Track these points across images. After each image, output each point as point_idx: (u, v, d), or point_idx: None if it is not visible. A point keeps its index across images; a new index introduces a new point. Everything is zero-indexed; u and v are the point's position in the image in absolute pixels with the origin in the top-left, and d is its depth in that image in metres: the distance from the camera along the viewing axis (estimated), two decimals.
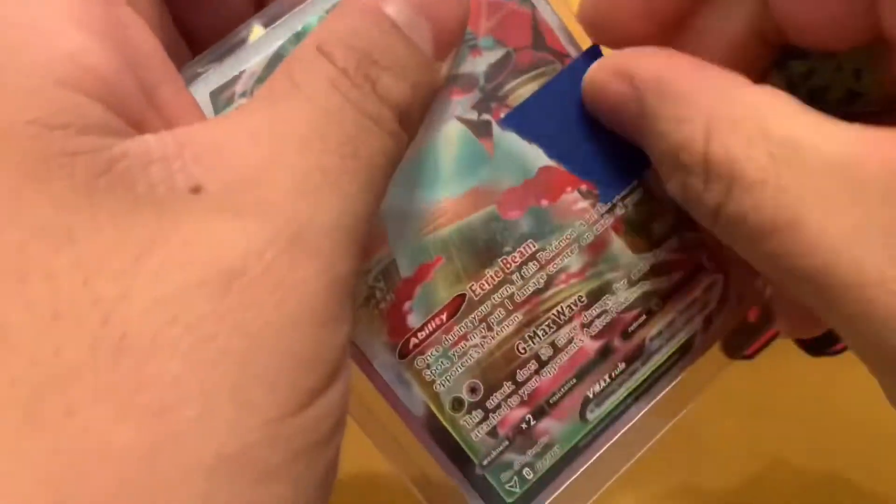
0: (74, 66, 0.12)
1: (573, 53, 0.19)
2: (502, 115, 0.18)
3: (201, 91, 0.16)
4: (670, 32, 0.18)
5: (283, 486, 0.12)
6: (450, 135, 0.18)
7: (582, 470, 0.19)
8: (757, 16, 0.17)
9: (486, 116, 0.18)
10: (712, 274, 0.20)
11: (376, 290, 0.18)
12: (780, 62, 0.18)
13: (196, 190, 0.12)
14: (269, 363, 0.12)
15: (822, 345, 0.30)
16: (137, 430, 0.11)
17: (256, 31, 0.17)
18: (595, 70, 0.18)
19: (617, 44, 0.18)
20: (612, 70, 0.17)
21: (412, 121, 0.15)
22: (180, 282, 0.11)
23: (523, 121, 0.19)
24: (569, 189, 0.19)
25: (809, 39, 0.16)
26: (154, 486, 0.11)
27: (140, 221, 0.12)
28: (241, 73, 0.17)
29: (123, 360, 0.11)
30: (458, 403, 0.18)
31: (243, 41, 0.17)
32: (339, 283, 0.13)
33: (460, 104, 0.18)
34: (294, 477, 0.12)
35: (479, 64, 0.18)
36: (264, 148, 0.13)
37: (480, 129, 0.18)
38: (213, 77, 0.16)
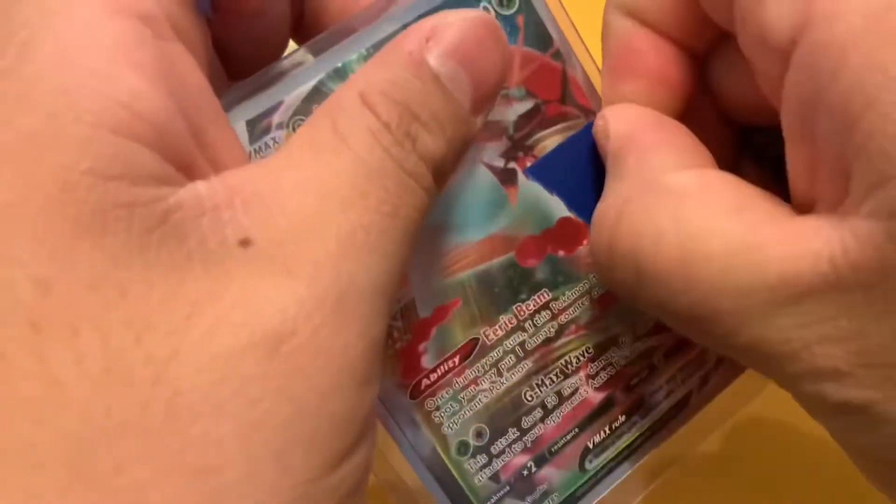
0: (128, 112, 0.11)
1: (598, 109, 0.19)
2: (528, 165, 0.19)
3: (238, 119, 0.16)
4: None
5: None
6: (476, 180, 0.18)
7: None
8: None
9: (512, 165, 0.19)
10: None
11: (394, 330, 0.18)
12: (748, 137, 0.19)
13: (245, 243, 0.12)
14: (310, 427, 0.12)
15: None
16: (180, 490, 0.11)
17: (299, 57, 0.17)
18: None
19: None
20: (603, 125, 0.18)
21: (445, 174, 0.15)
22: (231, 342, 0.11)
23: (546, 171, 0.19)
24: (585, 241, 0.19)
25: (749, 119, 0.17)
26: None
27: (191, 277, 0.12)
28: (279, 103, 0.17)
29: (172, 419, 0.11)
30: (463, 447, 0.18)
31: (283, 72, 0.17)
32: (375, 346, 0.13)
33: (488, 151, 0.18)
34: None
35: (509, 113, 0.19)
36: (310, 202, 0.13)
37: (506, 177, 0.19)
38: (251, 106, 0.16)
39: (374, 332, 0.13)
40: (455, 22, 0.15)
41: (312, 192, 0.13)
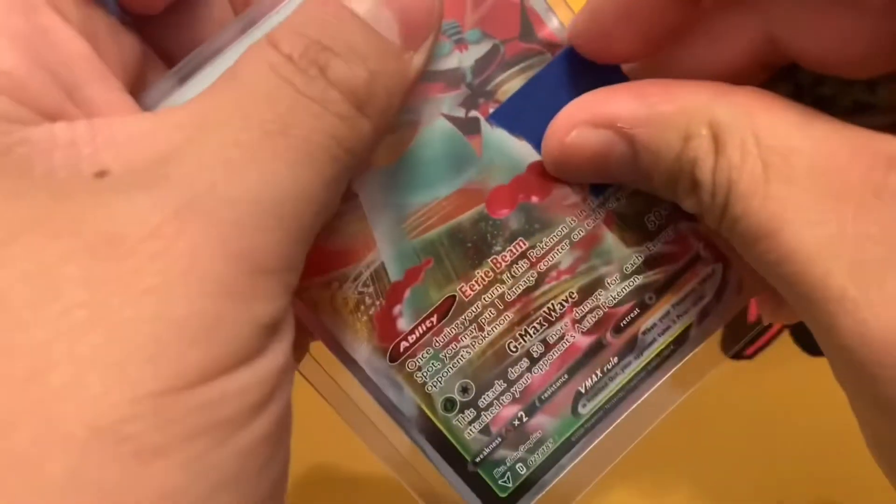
0: None
1: (563, 42, 0.18)
2: (491, 111, 0.18)
3: (179, 101, 0.16)
4: (662, 53, 0.17)
5: (170, 468, 0.11)
6: (437, 134, 0.18)
7: (574, 463, 0.19)
8: (758, 45, 0.16)
9: (474, 113, 0.18)
10: (710, 264, 0.20)
11: (366, 296, 0.18)
12: (785, 69, 0.18)
13: (102, 174, 0.12)
14: (148, 332, 0.11)
15: None
16: (7, 396, 0.11)
17: (230, 33, 0.16)
18: (560, 132, 0.17)
19: (607, 61, 0.18)
20: (586, 122, 0.17)
21: (377, 108, 0.14)
22: (54, 251, 0.12)
23: (511, 116, 0.18)
24: (559, 184, 0.18)
25: (829, 70, 0.15)
26: (13, 457, 0.11)
27: (29, 203, 0.12)
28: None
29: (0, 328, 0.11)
30: (450, 404, 0.18)
31: (221, 48, 0.16)
32: (244, 257, 0.12)
33: (447, 101, 0.18)
34: (187, 459, 0.11)
35: (465, 59, 0.18)
36: (181, 132, 0.13)
37: (468, 127, 0.18)
38: (191, 87, 0.16)
39: (246, 242, 0.12)
40: None
41: (187, 123, 0.13)
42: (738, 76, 0.16)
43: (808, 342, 0.30)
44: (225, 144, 0.13)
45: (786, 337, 0.29)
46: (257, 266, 0.13)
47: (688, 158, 0.15)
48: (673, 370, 0.19)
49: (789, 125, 0.14)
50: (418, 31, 0.15)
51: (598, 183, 0.19)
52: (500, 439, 0.19)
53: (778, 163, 0.14)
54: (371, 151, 0.15)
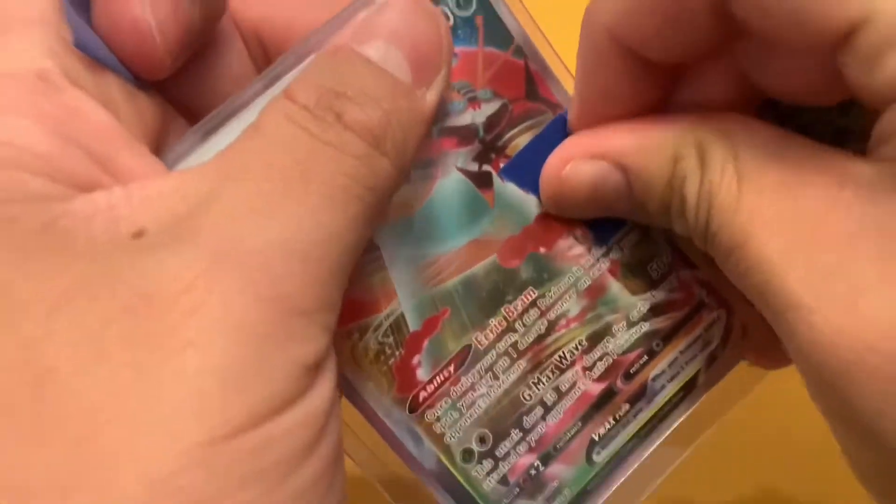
0: (11, 148, 0.13)
1: (563, 101, 0.19)
2: (501, 166, 0.19)
3: (205, 157, 0.16)
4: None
5: None
6: (453, 187, 0.18)
7: None
8: (736, 85, 0.17)
9: (486, 167, 0.19)
10: (714, 310, 0.20)
11: (386, 346, 0.18)
12: (767, 103, 0.19)
13: (139, 234, 0.13)
14: (192, 385, 0.12)
15: None
16: (56, 461, 0.11)
17: (255, 87, 0.17)
18: (556, 167, 0.18)
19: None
20: (581, 155, 0.18)
21: (394, 145, 0.15)
22: (98, 313, 0.12)
23: (519, 170, 0.19)
24: (564, 235, 0.19)
25: (802, 100, 0.17)
26: None
27: (73, 272, 0.12)
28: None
29: (47, 393, 0.11)
30: (468, 454, 0.18)
31: (245, 105, 0.16)
32: (278, 301, 0.13)
33: (461, 156, 0.18)
34: None
35: (478, 116, 0.18)
36: (208, 184, 0.13)
37: (481, 181, 0.18)
38: (215, 142, 0.16)
39: (278, 286, 0.13)
40: (377, 12, 0.15)
41: (213, 176, 0.13)
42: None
43: None
44: (249, 195, 0.13)
45: None
46: (292, 308, 0.13)
47: (678, 178, 0.16)
48: (684, 416, 0.20)
49: (765, 143, 0.15)
50: (429, 68, 0.16)
51: (600, 231, 0.19)
52: (518, 489, 0.19)
53: (751, 177, 0.15)
54: (393, 191, 0.15)
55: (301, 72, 0.16)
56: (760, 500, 0.29)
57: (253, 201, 0.13)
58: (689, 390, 0.20)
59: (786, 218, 0.14)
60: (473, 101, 0.18)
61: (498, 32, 0.19)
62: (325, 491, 0.13)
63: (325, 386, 0.13)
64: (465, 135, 0.18)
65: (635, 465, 0.19)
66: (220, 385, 0.12)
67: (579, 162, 0.18)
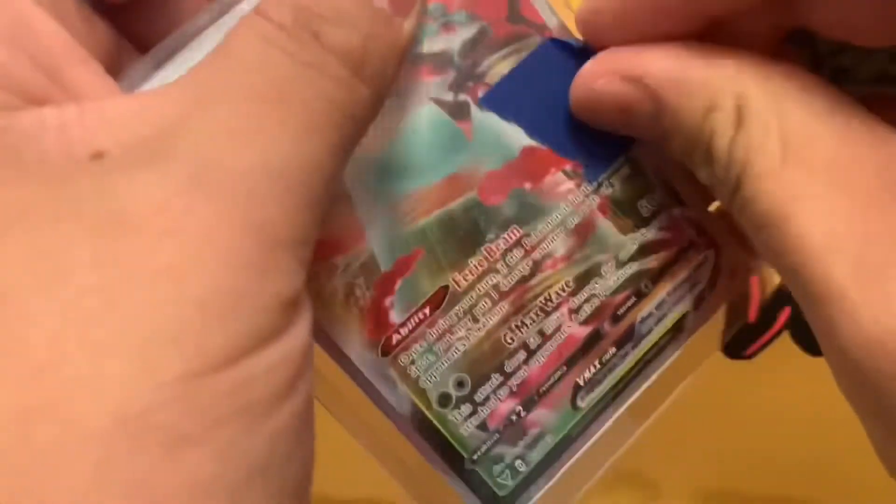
0: None
1: (551, 23, 0.18)
2: (480, 95, 0.17)
3: (159, 84, 0.15)
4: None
5: (202, 457, 0.11)
6: (426, 119, 0.17)
7: (575, 459, 0.18)
8: (770, 11, 0.16)
9: (463, 97, 0.17)
10: (702, 250, 0.19)
11: (356, 287, 0.17)
12: (802, 37, 0.17)
13: (98, 155, 0.12)
14: (168, 313, 0.11)
15: None
16: (14, 390, 0.10)
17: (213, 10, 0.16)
18: (589, 77, 0.17)
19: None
20: (616, 73, 0.16)
21: (373, 73, 0.14)
22: (55, 235, 0.11)
23: (502, 99, 0.18)
24: (553, 170, 0.18)
25: (848, 37, 0.15)
26: (34, 457, 0.10)
27: (22, 191, 0.11)
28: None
29: (2, 322, 0.10)
30: (445, 399, 0.17)
31: (196, 33, 0.15)
32: (259, 228, 0.12)
33: (435, 85, 0.17)
34: (219, 447, 0.11)
35: (452, 41, 0.17)
36: (179, 107, 0.12)
37: (458, 111, 0.17)
38: (169, 70, 0.15)
39: (258, 213, 0.12)
40: None
41: (182, 98, 0.12)
42: (749, 37, 0.16)
43: (807, 342, 0.30)
44: (227, 116, 0.12)
45: (785, 337, 0.29)
46: (274, 238, 0.12)
47: (707, 128, 0.15)
48: (670, 359, 0.19)
49: (815, 112, 0.14)
50: None
51: (592, 165, 0.18)
52: (497, 435, 0.18)
53: (797, 148, 0.14)
54: (371, 121, 0.14)
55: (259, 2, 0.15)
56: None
57: (230, 123, 0.12)
58: (676, 333, 0.19)
59: (836, 203, 0.13)
60: (447, 25, 0.17)
61: None
62: (300, 433, 0.12)
63: (303, 324, 0.13)
64: (439, 62, 0.17)
65: (620, 411, 0.19)
66: (199, 316, 0.11)
67: (614, 79, 0.16)
